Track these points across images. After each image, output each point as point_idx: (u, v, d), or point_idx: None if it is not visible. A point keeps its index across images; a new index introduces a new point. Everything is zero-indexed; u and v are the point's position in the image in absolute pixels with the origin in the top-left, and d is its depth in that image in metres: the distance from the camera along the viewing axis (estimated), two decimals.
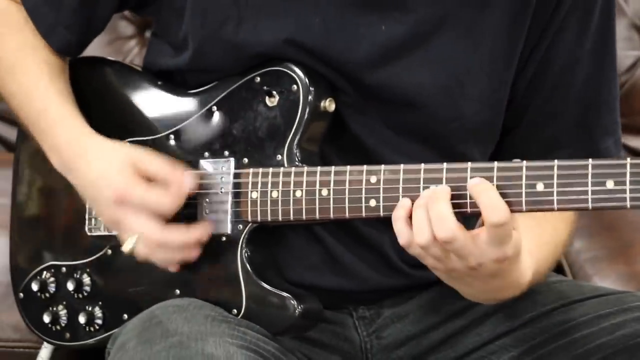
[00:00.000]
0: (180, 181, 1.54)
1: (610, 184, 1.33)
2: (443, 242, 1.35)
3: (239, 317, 1.52)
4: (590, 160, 1.34)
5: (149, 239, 1.53)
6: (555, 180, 1.35)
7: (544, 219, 1.57)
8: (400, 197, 1.42)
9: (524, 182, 1.36)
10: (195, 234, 1.54)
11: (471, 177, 1.38)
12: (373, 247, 1.61)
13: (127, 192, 1.54)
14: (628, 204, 1.32)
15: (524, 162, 1.38)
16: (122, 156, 1.56)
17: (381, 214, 1.45)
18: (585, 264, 2.07)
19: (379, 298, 1.65)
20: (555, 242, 1.60)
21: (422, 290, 1.66)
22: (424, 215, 1.36)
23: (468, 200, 1.37)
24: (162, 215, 1.53)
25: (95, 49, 1.80)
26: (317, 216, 1.49)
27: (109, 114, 1.68)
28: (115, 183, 1.54)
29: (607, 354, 1.49)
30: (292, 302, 1.52)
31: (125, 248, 1.54)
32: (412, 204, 1.39)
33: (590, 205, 1.34)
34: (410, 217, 1.38)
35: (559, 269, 2.15)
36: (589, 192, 1.34)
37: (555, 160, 1.36)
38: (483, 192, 1.35)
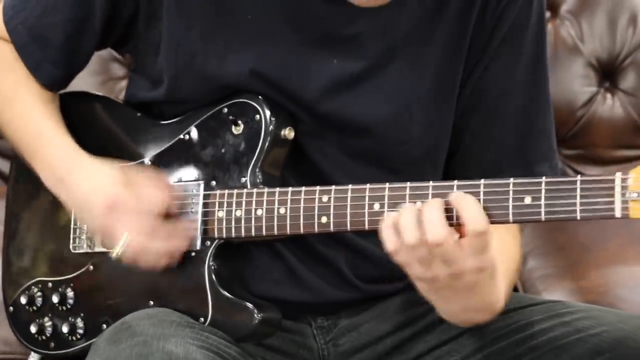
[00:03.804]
0: (169, 190, 1.58)
1: (528, 200, 1.37)
2: (433, 244, 1.36)
3: (206, 324, 1.55)
4: (511, 179, 1.38)
5: (143, 233, 1.55)
6: (481, 198, 1.39)
7: (500, 243, 1.55)
8: (348, 213, 1.47)
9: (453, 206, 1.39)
10: (181, 227, 1.57)
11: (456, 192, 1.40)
12: (330, 265, 1.64)
13: (121, 197, 1.55)
14: (543, 217, 1.37)
15: (456, 181, 1.41)
16: (113, 173, 1.59)
17: (332, 229, 1.49)
18: (536, 281, 2.10)
19: (335, 310, 1.67)
20: (515, 269, 1.64)
21: (375, 303, 1.68)
22: (413, 217, 1.38)
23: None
24: (153, 213, 1.56)
25: (89, 88, 1.82)
26: (276, 232, 1.53)
27: (94, 142, 1.68)
28: (108, 191, 1.56)
29: (538, 354, 1.54)
30: (253, 310, 1.55)
31: (116, 249, 1.56)
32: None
33: (511, 219, 1.38)
34: (396, 227, 1.39)
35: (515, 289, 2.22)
36: (510, 207, 1.38)
37: (482, 180, 1.40)
38: (467, 202, 1.38)
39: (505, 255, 1.57)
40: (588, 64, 2.53)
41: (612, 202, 1.33)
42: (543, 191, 1.37)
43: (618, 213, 1.33)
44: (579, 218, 1.35)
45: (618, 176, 1.33)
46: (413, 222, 1.38)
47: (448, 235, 1.37)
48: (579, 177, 1.36)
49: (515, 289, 2.12)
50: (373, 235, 1.46)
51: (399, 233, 1.39)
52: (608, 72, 2.54)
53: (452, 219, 1.39)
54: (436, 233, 1.37)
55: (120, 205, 1.56)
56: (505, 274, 1.54)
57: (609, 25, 2.52)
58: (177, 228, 1.59)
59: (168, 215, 1.59)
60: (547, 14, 2.54)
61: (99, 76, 2.39)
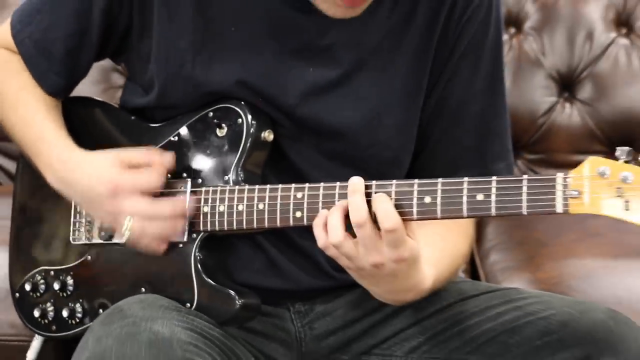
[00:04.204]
0: (160, 160, 1.57)
1: (480, 197, 1.37)
2: (356, 225, 1.38)
3: (192, 309, 1.55)
4: (465, 178, 1.39)
5: (144, 213, 1.55)
6: (439, 195, 1.39)
7: (446, 235, 1.60)
8: (320, 208, 1.46)
9: (415, 196, 1.40)
10: (180, 203, 1.56)
11: (375, 192, 1.41)
12: (307, 256, 1.64)
13: (119, 182, 1.55)
14: (493, 212, 1.37)
15: (416, 180, 1.42)
16: (108, 157, 1.58)
17: (305, 222, 1.48)
18: (498, 272, 2.11)
19: (311, 296, 1.67)
20: (456, 255, 1.63)
21: (347, 290, 1.67)
22: (338, 218, 1.40)
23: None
24: (152, 191, 1.56)
25: (91, 95, 1.81)
26: (255, 225, 1.53)
27: (93, 142, 1.67)
28: (107, 179, 1.55)
29: (492, 336, 1.54)
30: (234, 297, 1.55)
31: (123, 232, 1.55)
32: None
33: (465, 214, 1.38)
34: (326, 225, 1.42)
35: (476, 277, 2.20)
36: (464, 203, 1.38)
37: (440, 179, 1.40)
38: (380, 203, 1.39)
39: (441, 248, 1.58)
40: (549, 76, 2.54)
41: (554, 199, 1.33)
42: (493, 189, 1.37)
43: (559, 209, 1.33)
44: (525, 213, 1.35)
45: (559, 176, 1.34)
46: (337, 222, 1.41)
47: (368, 221, 1.39)
48: (525, 177, 1.36)
49: (478, 279, 2.15)
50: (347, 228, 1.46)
51: (327, 231, 1.42)
52: (567, 84, 2.55)
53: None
54: (359, 216, 1.39)
55: (120, 190, 1.55)
56: (436, 264, 1.54)
57: (568, 41, 2.53)
58: (174, 205, 1.58)
59: (162, 194, 1.58)
60: (512, 30, 2.55)
61: (100, 84, 2.40)
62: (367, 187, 1.42)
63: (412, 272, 1.46)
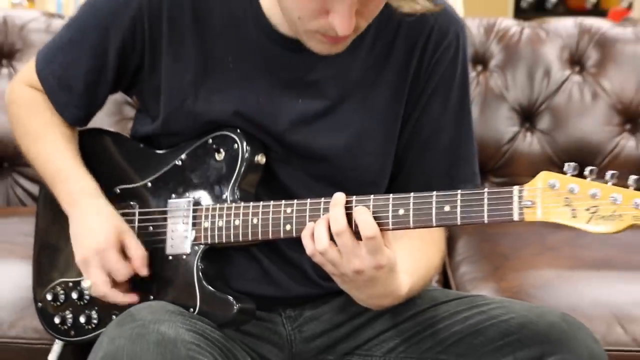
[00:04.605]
0: (140, 265, 1.61)
1: (447, 208, 1.39)
2: (335, 234, 1.40)
3: (195, 313, 1.55)
4: (434, 192, 1.41)
5: (98, 289, 1.61)
6: (411, 207, 1.41)
7: (422, 249, 1.60)
8: (307, 221, 1.47)
9: (390, 208, 1.42)
10: (126, 299, 1.61)
11: (355, 206, 1.42)
12: (296, 266, 1.64)
13: (105, 251, 1.59)
14: (458, 221, 1.39)
15: (391, 194, 1.43)
16: (113, 225, 1.61)
17: (294, 234, 1.49)
18: (467, 282, 2.11)
19: (300, 302, 1.67)
20: (430, 266, 1.62)
21: (333, 297, 1.67)
22: (323, 229, 1.41)
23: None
24: (115, 278, 1.60)
25: (107, 126, 1.84)
26: (250, 238, 1.54)
27: (107, 166, 1.70)
28: (101, 240, 1.59)
29: (459, 337, 1.55)
30: (232, 302, 1.56)
31: (85, 284, 1.62)
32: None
33: (434, 223, 1.40)
34: (313, 235, 1.43)
35: (448, 286, 2.20)
36: (433, 214, 1.40)
37: (412, 193, 1.42)
38: (360, 214, 1.41)
39: (417, 259, 1.58)
40: (512, 109, 2.54)
41: (511, 209, 1.36)
42: (459, 201, 1.39)
43: (516, 217, 1.35)
44: (486, 221, 1.37)
45: (516, 189, 1.36)
46: (322, 231, 1.42)
47: (346, 228, 1.41)
48: (486, 190, 1.38)
49: (450, 288, 2.16)
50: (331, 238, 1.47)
51: (314, 240, 1.43)
52: (528, 116, 2.55)
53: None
54: (339, 224, 1.41)
55: (99, 257, 1.60)
56: (412, 273, 1.55)
57: (528, 77, 2.54)
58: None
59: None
60: (479, 68, 2.56)
61: (114, 116, 2.41)
62: (348, 201, 1.44)
63: (389, 279, 1.46)
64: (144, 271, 1.61)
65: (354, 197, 1.44)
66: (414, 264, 1.56)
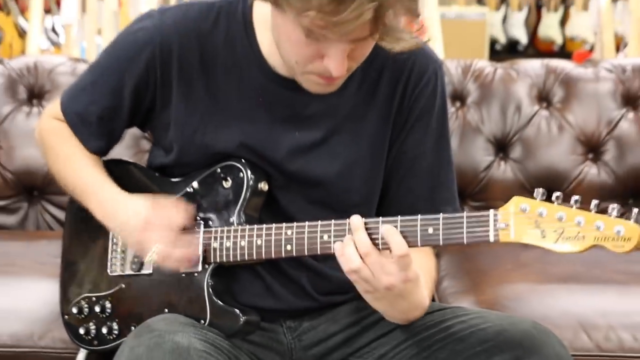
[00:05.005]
0: (184, 206, 1.58)
1: (430, 230, 1.41)
2: (364, 255, 1.40)
3: (205, 325, 1.56)
4: (419, 216, 1.42)
5: (168, 241, 1.55)
6: (398, 229, 1.43)
7: (426, 263, 1.60)
8: (305, 242, 1.49)
9: (380, 235, 1.43)
10: (195, 238, 1.58)
11: (383, 226, 1.42)
12: (295, 282, 1.64)
13: (151, 218, 1.56)
14: (441, 242, 1.40)
15: (381, 218, 1.44)
16: (144, 199, 1.60)
17: (294, 254, 1.51)
18: (449, 296, 2.11)
19: (299, 315, 1.67)
20: (434, 279, 1.65)
21: (329, 310, 1.67)
22: (352, 250, 1.42)
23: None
24: (174, 228, 1.56)
25: (125, 157, 1.83)
26: (255, 257, 1.55)
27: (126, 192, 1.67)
28: (142, 215, 1.57)
29: (443, 344, 1.54)
30: (239, 314, 1.57)
31: (149, 258, 1.57)
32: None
33: (419, 244, 1.41)
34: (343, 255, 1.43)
35: (432, 299, 2.21)
36: (418, 235, 1.42)
37: (399, 216, 1.43)
38: (392, 235, 1.41)
39: (425, 270, 1.59)
40: (487, 140, 2.53)
41: (488, 231, 1.37)
42: (441, 224, 1.41)
43: (492, 238, 1.37)
44: (465, 242, 1.38)
45: (491, 212, 1.37)
46: (352, 252, 1.43)
47: (371, 247, 1.42)
48: (465, 214, 1.39)
49: (433, 300, 2.15)
50: (326, 259, 1.49)
51: (346, 260, 1.44)
52: (501, 146, 2.54)
53: (378, 244, 1.43)
54: (365, 245, 1.42)
55: (150, 225, 1.56)
56: (426, 284, 1.56)
57: (501, 112, 2.53)
58: (190, 239, 1.60)
59: (184, 229, 1.60)
60: (458, 104, 2.55)
61: (132, 149, 2.41)
62: (365, 222, 1.46)
63: (415, 291, 1.47)
64: (189, 209, 1.58)
65: (366, 219, 1.46)
66: (425, 277, 1.56)
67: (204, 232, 1.60)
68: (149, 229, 1.56)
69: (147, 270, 1.65)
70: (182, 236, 1.58)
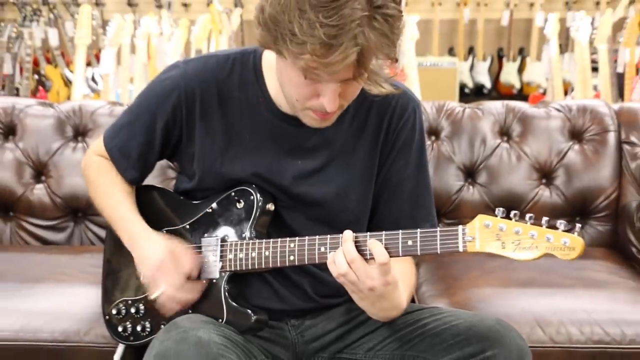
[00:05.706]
0: (197, 262, 1.59)
1: (410, 242, 1.41)
2: (350, 262, 1.40)
3: (222, 322, 1.56)
4: (400, 231, 1.42)
5: (174, 287, 1.55)
6: (383, 242, 1.42)
7: (407, 271, 1.59)
8: (306, 254, 1.49)
9: (368, 247, 1.43)
10: (189, 297, 1.58)
11: (369, 240, 1.42)
12: (299, 287, 1.64)
13: (165, 263, 1.56)
14: (418, 252, 1.40)
15: (368, 233, 1.44)
16: (164, 245, 1.58)
17: (296, 263, 1.51)
18: (427, 298, 2.09)
19: (302, 314, 1.67)
20: (412, 285, 1.63)
21: (327, 310, 1.68)
22: (341, 258, 1.42)
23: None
24: (183, 275, 1.56)
25: (155, 183, 1.82)
26: (263, 266, 1.55)
27: (157, 213, 1.69)
28: (158, 257, 1.57)
29: (422, 338, 1.55)
30: (250, 314, 1.57)
31: (153, 296, 1.58)
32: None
33: (400, 253, 1.41)
34: (334, 262, 1.43)
35: (412, 300, 2.15)
36: (399, 246, 1.42)
37: (383, 232, 1.43)
38: (375, 246, 1.41)
39: (406, 277, 1.58)
40: (458, 168, 2.52)
41: (457, 243, 1.38)
42: (418, 237, 1.41)
43: (461, 248, 1.37)
44: (439, 252, 1.39)
45: (460, 227, 1.38)
46: (341, 258, 1.43)
47: (357, 256, 1.41)
48: (438, 229, 1.40)
49: (414, 302, 2.14)
50: (325, 268, 1.47)
51: (335, 266, 1.44)
52: (470, 173, 2.54)
53: (366, 254, 1.43)
54: (351, 253, 1.42)
55: (163, 268, 1.57)
56: (407, 288, 1.56)
57: (469, 144, 2.52)
58: (193, 287, 1.59)
59: (190, 277, 1.59)
60: (433, 138, 2.54)
61: (160, 177, 2.40)
62: (356, 236, 1.45)
63: (394, 294, 1.47)
64: (195, 272, 1.57)
65: (356, 234, 1.45)
66: (404, 283, 1.55)
67: (221, 245, 1.60)
68: (162, 271, 1.56)
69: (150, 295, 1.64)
70: (187, 283, 1.57)
